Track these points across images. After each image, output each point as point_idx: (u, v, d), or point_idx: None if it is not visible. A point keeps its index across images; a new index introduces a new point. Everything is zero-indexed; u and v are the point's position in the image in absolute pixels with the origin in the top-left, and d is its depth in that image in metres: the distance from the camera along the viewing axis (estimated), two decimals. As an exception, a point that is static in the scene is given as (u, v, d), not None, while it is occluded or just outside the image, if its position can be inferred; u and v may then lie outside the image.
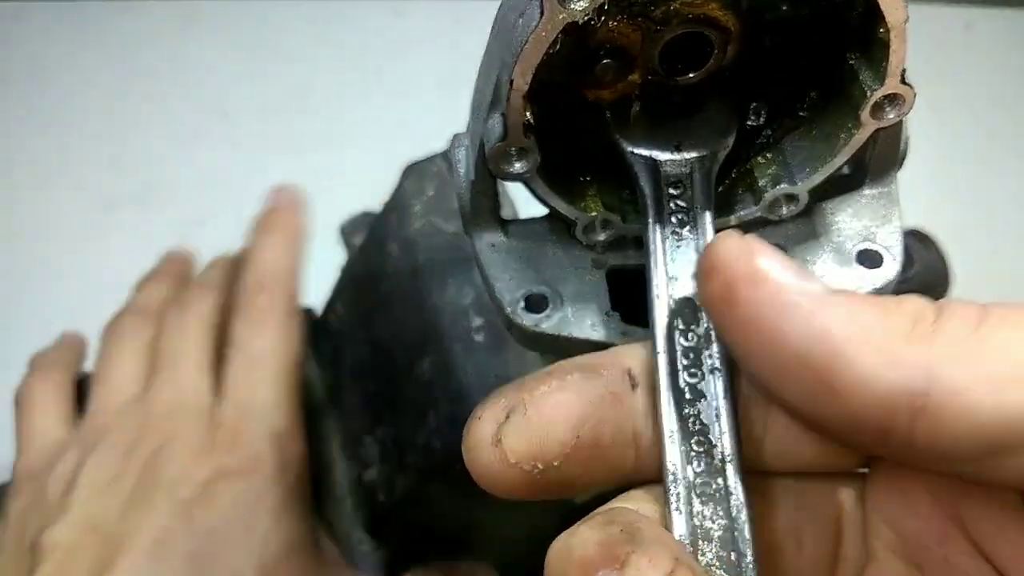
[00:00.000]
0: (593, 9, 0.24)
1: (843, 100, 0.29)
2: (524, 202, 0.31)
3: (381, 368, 0.50)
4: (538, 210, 0.32)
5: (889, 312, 0.21)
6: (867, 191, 0.32)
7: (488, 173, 0.29)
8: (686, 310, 0.27)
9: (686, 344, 0.26)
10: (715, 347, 0.26)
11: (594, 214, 0.31)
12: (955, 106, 0.91)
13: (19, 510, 0.49)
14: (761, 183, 0.32)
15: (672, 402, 0.25)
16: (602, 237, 0.31)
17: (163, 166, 0.84)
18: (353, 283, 0.54)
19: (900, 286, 0.66)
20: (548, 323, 0.30)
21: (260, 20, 0.98)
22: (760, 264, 0.22)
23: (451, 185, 0.31)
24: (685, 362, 0.26)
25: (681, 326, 0.26)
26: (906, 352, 0.20)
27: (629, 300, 0.31)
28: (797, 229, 0.32)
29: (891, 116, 0.28)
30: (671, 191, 0.30)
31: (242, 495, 0.47)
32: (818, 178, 0.31)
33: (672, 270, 0.28)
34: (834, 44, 0.29)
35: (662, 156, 0.31)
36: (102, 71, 0.94)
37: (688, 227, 0.29)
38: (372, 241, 0.53)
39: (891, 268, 0.31)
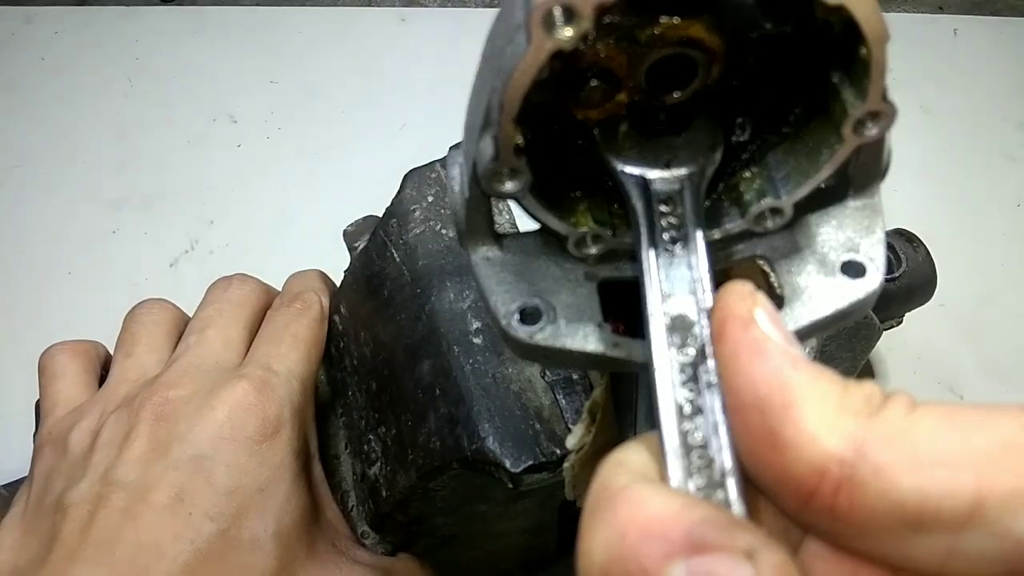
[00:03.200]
0: (579, 37, 0.25)
1: (826, 116, 0.30)
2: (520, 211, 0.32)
3: (382, 369, 0.51)
4: (532, 223, 0.33)
5: (848, 389, 0.22)
6: (851, 203, 0.33)
7: (481, 191, 0.30)
8: (681, 327, 0.27)
9: (682, 360, 0.27)
10: (710, 363, 0.26)
11: (585, 229, 0.31)
12: (943, 111, 0.92)
13: (43, 472, 0.49)
14: (747, 197, 0.32)
15: (671, 418, 0.25)
16: (593, 251, 0.32)
17: (170, 170, 0.86)
18: (355, 286, 0.55)
19: (888, 286, 0.68)
20: (542, 335, 0.31)
21: (267, 26, 0.99)
22: (756, 314, 0.24)
23: (448, 199, 0.33)
24: (682, 378, 0.26)
25: (677, 342, 0.27)
26: (847, 425, 0.21)
27: (624, 311, 0.32)
28: (782, 241, 0.33)
29: (873, 132, 0.29)
30: (662, 208, 0.31)
31: (263, 458, 0.47)
32: (802, 192, 0.31)
33: (666, 287, 0.29)
34: (817, 62, 0.30)
35: (652, 174, 0.31)
36: (110, 75, 0.95)
37: (680, 244, 0.30)
38: (374, 245, 0.54)
39: (874, 278, 0.32)
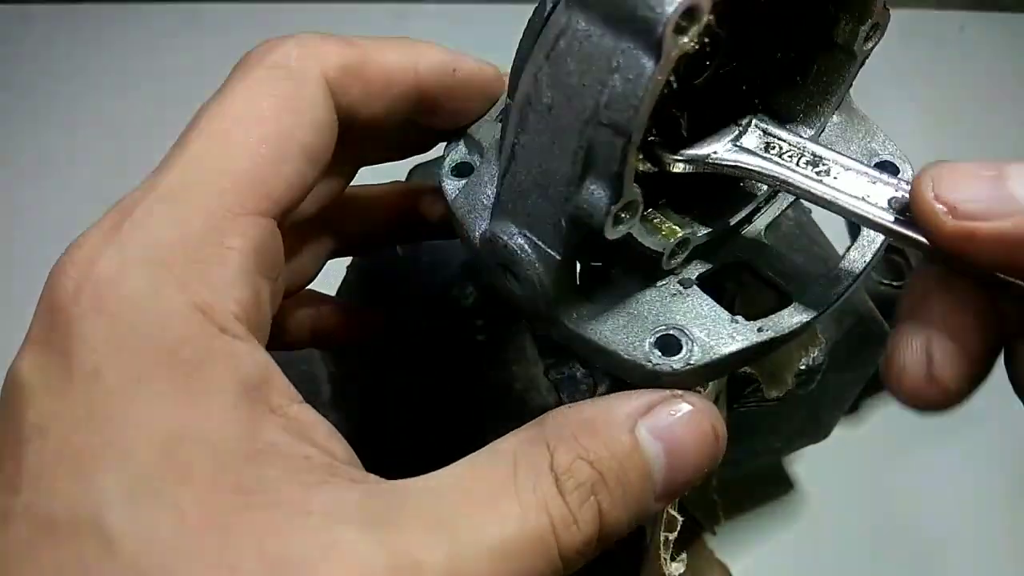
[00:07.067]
0: (699, 34, 0.24)
1: (828, 48, 0.32)
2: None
3: (385, 366, 0.50)
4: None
5: None
6: (835, 119, 0.35)
7: (575, 249, 0.29)
8: (901, 207, 0.29)
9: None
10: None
11: (679, 236, 0.31)
12: (949, 107, 0.91)
13: None
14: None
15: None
16: (682, 258, 0.32)
17: (166, 168, 0.85)
18: (360, 281, 0.54)
19: (900, 291, 0.67)
20: (696, 356, 0.30)
21: (262, 23, 0.98)
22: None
23: (519, 286, 0.30)
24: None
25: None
26: None
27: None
28: None
29: (875, 42, 0.32)
30: (773, 154, 0.31)
31: None
32: (825, 119, 0.34)
33: (857, 193, 0.29)
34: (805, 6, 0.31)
35: (746, 140, 0.32)
36: (106, 73, 0.94)
37: (820, 165, 0.30)
38: (376, 242, 0.53)
39: (907, 169, 0.34)
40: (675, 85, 0.27)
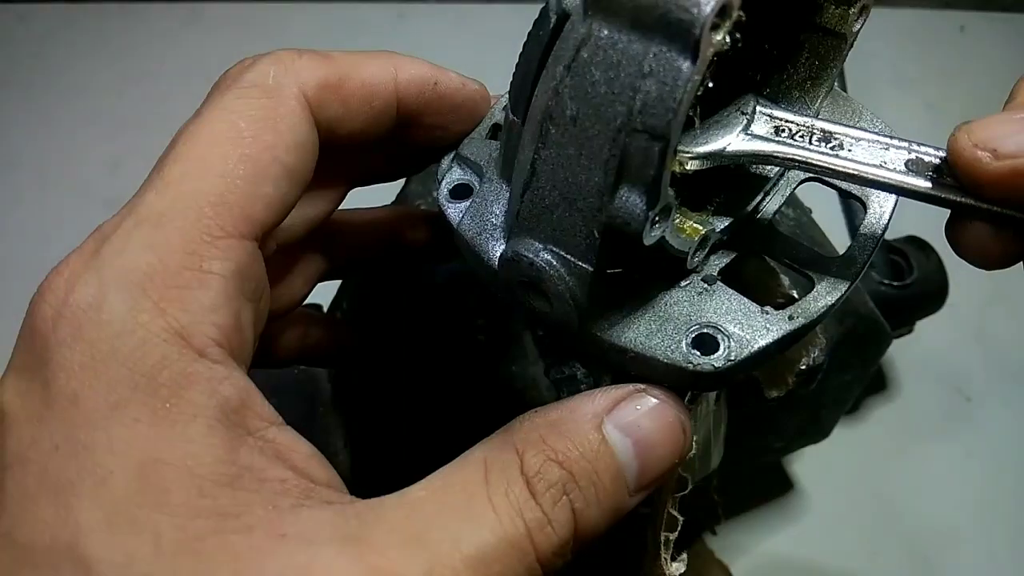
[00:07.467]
0: (728, 31, 0.24)
1: (816, 33, 0.33)
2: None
3: (386, 366, 0.50)
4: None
5: None
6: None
7: (608, 258, 0.28)
8: (920, 167, 0.30)
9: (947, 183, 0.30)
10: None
11: (702, 232, 0.31)
12: (950, 106, 0.91)
13: None
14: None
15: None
16: (702, 255, 0.32)
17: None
18: (359, 281, 0.54)
19: (900, 292, 0.67)
20: (736, 351, 0.30)
21: (262, 22, 0.98)
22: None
23: (547, 302, 0.30)
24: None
25: (931, 175, 0.30)
26: None
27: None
28: None
29: (862, 22, 0.33)
30: (785, 135, 0.32)
31: None
32: (820, 98, 0.34)
33: (875, 161, 0.30)
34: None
35: (755, 128, 0.32)
36: (104, 72, 0.94)
37: (833, 140, 0.31)
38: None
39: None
40: (710, 84, 0.27)
